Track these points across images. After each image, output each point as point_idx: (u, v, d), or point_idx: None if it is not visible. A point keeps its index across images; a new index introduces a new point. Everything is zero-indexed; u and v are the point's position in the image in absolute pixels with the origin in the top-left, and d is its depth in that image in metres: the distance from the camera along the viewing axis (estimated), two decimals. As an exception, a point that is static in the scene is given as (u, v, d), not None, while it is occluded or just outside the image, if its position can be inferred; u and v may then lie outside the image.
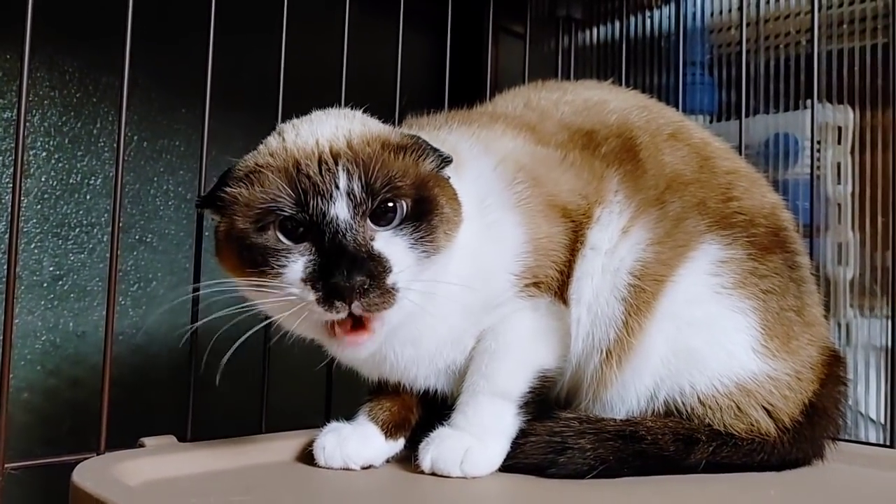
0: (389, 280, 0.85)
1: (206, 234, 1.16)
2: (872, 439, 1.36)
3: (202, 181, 1.13)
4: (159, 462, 0.97)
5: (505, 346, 0.99)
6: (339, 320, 0.86)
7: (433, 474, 0.97)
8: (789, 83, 1.53)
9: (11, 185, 0.96)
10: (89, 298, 1.37)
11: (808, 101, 1.37)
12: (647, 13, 1.74)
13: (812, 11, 1.31)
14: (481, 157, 1.01)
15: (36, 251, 1.32)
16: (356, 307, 0.84)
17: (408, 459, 1.02)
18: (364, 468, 1.01)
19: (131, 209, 1.42)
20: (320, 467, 1.00)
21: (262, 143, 0.95)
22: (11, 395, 1.27)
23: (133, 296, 1.43)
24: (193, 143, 1.48)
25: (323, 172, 0.85)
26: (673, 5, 1.66)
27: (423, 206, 0.89)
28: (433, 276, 0.89)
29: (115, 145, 1.11)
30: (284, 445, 1.07)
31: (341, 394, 1.23)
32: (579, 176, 1.03)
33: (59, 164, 1.34)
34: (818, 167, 1.45)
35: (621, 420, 1.01)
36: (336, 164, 0.86)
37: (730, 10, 1.63)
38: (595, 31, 1.83)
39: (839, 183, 1.46)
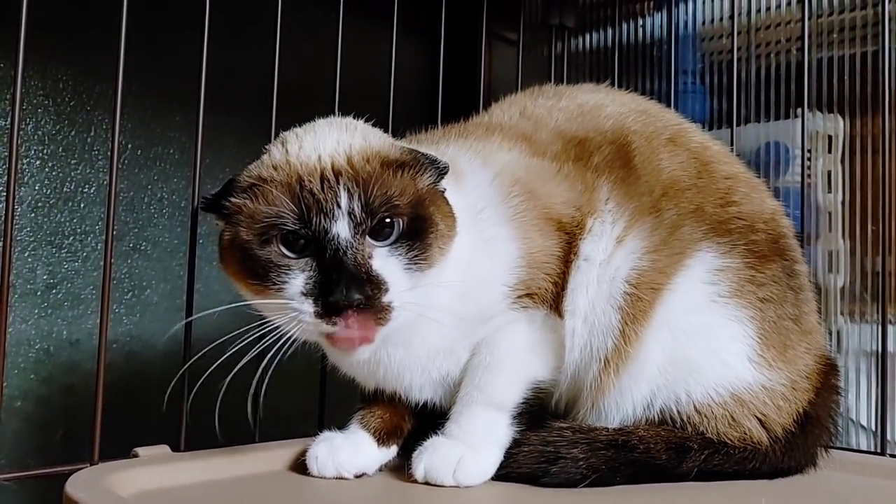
0: (385, 299, 0.87)
1: (201, 241, 1.17)
2: (863, 446, 1.37)
3: (196, 189, 1.13)
4: (152, 472, 0.97)
5: (499, 360, 1.00)
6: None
7: (426, 483, 0.97)
8: (780, 91, 1.54)
9: (5, 194, 0.96)
10: (83, 306, 1.37)
11: (799, 110, 1.37)
12: (640, 21, 1.75)
13: (803, 20, 1.32)
14: (479, 171, 1.02)
15: (30, 259, 1.32)
16: (352, 323, 0.86)
17: (401, 468, 1.03)
18: (357, 476, 1.01)
19: (125, 217, 1.42)
20: (313, 476, 1.01)
21: (265, 150, 0.95)
22: (5, 404, 1.28)
23: (127, 303, 1.42)
24: (187, 151, 1.48)
25: (325, 190, 0.87)
26: (665, 13, 1.67)
27: (419, 224, 0.91)
28: (427, 289, 0.91)
29: (108, 153, 1.11)
30: (278, 455, 1.07)
31: (335, 402, 1.23)
32: (573, 188, 1.03)
33: (53, 173, 1.34)
34: (809, 175, 1.46)
35: (614, 429, 1.01)
36: (338, 182, 0.88)
37: (721, 19, 1.64)
38: (588, 38, 1.83)
39: (830, 191, 1.47)
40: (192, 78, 1.14)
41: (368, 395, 1.09)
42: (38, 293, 1.33)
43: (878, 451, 1.19)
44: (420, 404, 1.05)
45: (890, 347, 1.20)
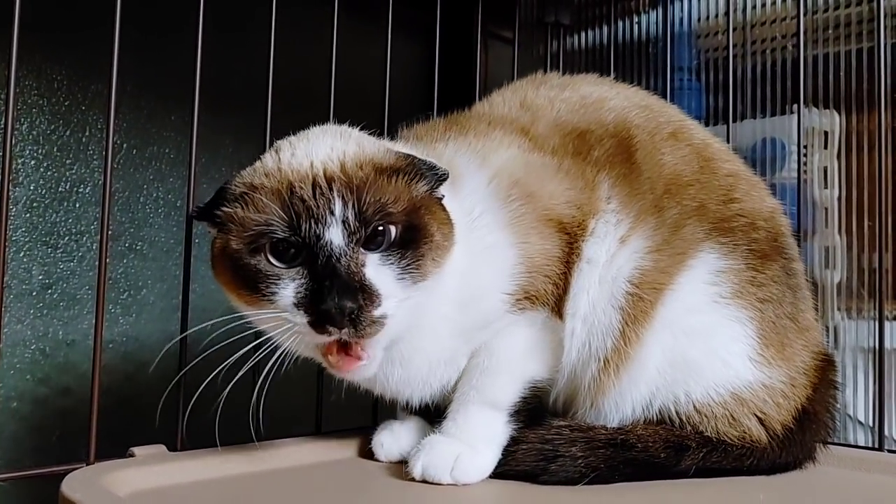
0: (377, 311, 0.86)
1: (196, 241, 1.16)
2: (861, 442, 1.37)
3: (191, 189, 1.13)
4: (149, 472, 0.96)
5: (497, 363, 1.00)
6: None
7: (424, 481, 0.97)
8: (776, 88, 1.54)
9: (0, 194, 0.96)
10: (79, 307, 1.36)
11: (795, 106, 1.37)
12: (635, 18, 1.75)
13: (798, 16, 1.32)
14: (476, 173, 1.00)
15: (25, 260, 1.31)
16: (345, 333, 0.86)
17: (399, 466, 1.02)
18: None
19: (121, 217, 1.42)
20: (379, 462, 1.07)
21: (259, 159, 0.95)
22: (0, 405, 1.27)
23: (123, 304, 1.42)
24: (183, 150, 1.48)
25: (317, 196, 0.86)
26: (660, 10, 1.67)
27: (413, 233, 0.89)
28: (421, 300, 0.90)
29: (103, 153, 1.10)
30: (275, 454, 1.07)
31: (333, 402, 1.23)
32: (573, 186, 1.02)
33: (48, 173, 1.34)
34: (805, 172, 1.46)
35: (613, 428, 1.01)
36: (331, 188, 0.86)
37: (717, 16, 1.64)
38: (583, 36, 1.83)
39: (826, 187, 1.47)
40: (188, 77, 1.14)
41: None
42: (34, 294, 1.32)
43: (876, 446, 1.19)
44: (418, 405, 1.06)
45: (887, 344, 1.20)
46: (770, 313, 1.02)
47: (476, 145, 1.05)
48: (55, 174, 1.35)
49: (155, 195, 1.47)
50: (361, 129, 1.00)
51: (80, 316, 1.36)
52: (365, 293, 0.85)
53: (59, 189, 1.35)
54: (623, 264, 1.01)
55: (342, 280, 0.84)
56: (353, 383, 1.06)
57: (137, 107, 1.44)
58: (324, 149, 0.90)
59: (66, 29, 1.35)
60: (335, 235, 0.86)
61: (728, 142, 1.35)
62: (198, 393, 0.98)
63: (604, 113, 1.10)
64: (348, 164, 0.89)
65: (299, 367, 1.05)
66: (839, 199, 1.46)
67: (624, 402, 1.02)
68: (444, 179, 0.94)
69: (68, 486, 0.87)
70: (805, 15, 1.31)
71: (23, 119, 1.31)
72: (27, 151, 1.32)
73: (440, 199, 0.95)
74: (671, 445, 0.99)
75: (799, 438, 1.04)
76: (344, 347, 0.89)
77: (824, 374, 1.09)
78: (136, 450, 1.03)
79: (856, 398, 1.43)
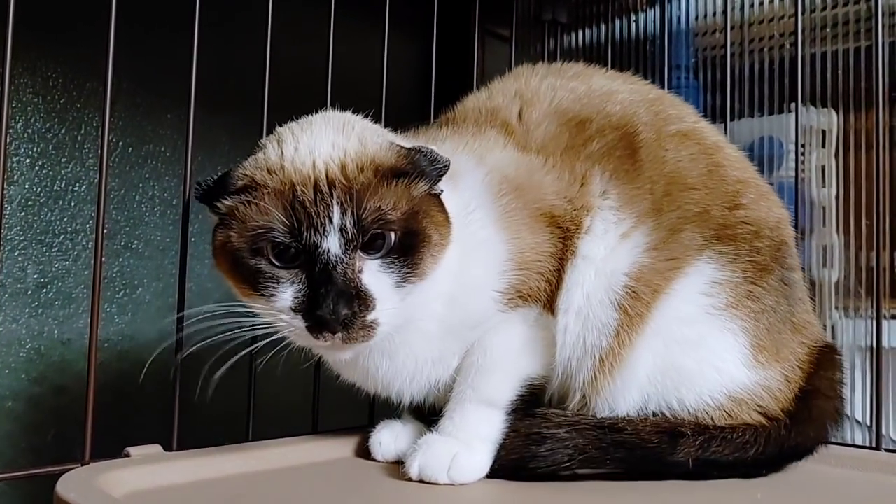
0: (370, 317, 0.87)
1: (192, 239, 1.16)
2: (858, 441, 1.37)
3: (187, 187, 1.12)
4: (144, 472, 0.96)
5: (492, 360, 1.00)
6: None
7: (420, 481, 0.97)
8: (774, 86, 1.54)
9: (-5, 193, 0.95)
10: (74, 305, 1.36)
11: (793, 105, 1.37)
12: (633, 16, 1.75)
13: (796, 15, 1.31)
14: (473, 170, 1.00)
15: (20, 258, 1.31)
16: (339, 337, 0.87)
17: (396, 466, 1.02)
18: None
19: (116, 215, 1.41)
20: (376, 461, 1.06)
21: (261, 146, 0.94)
22: (-4, 404, 1.27)
23: (119, 302, 1.42)
24: (179, 149, 1.47)
25: (318, 203, 0.86)
26: (658, 9, 1.67)
27: (412, 238, 0.90)
28: (416, 301, 0.91)
29: (99, 151, 1.10)
30: (271, 454, 1.07)
31: (328, 400, 1.23)
32: (560, 177, 1.02)
33: (44, 171, 1.33)
34: (803, 170, 1.46)
35: (601, 416, 1.01)
36: (331, 194, 0.86)
37: (714, 14, 1.64)
38: (580, 34, 1.83)
39: (824, 186, 1.47)
40: (184, 75, 1.13)
41: None
42: (29, 292, 1.32)
43: (873, 445, 1.19)
44: (413, 404, 1.06)
45: (884, 343, 1.20)
46: (764, 321, 1.01)
47: (473, 144, 1.05)
48: (50, 172, 1.34)
49: (151, 193, 1.46)
50: (366, 116, 0.99)
51: (76, 315, 1.36)
52: (360, 300, 0.86)
53: (55, 187, 1.34)
54: (622, 258, 1.00)
55: (338, 288, 0.85)
56: (342, 377, 1.06)
57: (133, 105, 1.43)
58: (326, 145, 0.90)
59: (61, 26, 1.34)
60: (332, 244, 0.86)
61: (726, 140, 1.35)
62: (193, 383, 0.97)
63: (610, 105, 1.08)
64: (349, 167, 0.88)
65: (297, 367, 1.05)
66: (837, 197, 1.46)
67: (617, 403, 1.01)
68: (446, 171, 0.93)
69: (63, 487, 0.86)
70: (803, 13, 1.31)
71: (18, 117, 1.30)
72: (22, 149, 1.31)
73: (440, 194, 0.94)
74: (663, 431, 0.98)
75: (806, 415, 1.02)
76: None
77: (824, 355, 1.08)
78: (131, 450, 1.03)
79: (853, 397, 1.43)
